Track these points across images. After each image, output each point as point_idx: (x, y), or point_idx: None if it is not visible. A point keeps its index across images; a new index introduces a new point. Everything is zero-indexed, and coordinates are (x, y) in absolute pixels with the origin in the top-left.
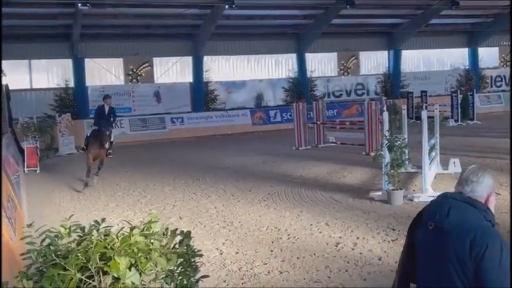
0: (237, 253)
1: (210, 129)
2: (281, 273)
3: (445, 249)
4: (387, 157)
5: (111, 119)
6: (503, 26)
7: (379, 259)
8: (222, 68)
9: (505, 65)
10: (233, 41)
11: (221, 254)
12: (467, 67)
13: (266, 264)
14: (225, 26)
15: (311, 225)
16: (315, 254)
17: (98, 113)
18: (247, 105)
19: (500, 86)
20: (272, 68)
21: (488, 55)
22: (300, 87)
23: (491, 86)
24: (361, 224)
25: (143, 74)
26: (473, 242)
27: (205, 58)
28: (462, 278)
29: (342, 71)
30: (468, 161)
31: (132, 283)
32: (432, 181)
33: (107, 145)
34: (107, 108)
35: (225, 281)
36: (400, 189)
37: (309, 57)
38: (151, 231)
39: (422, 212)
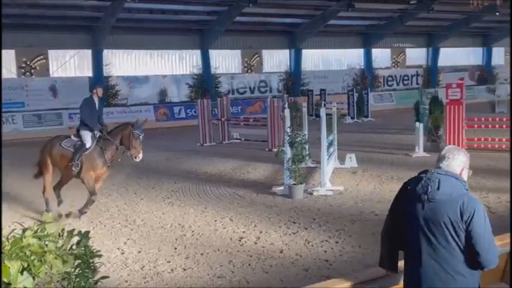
0: (139, 252)
1: (111, 125)
2: (185, 270)
3: (440, 216)
4: (289, 153)
5: (101, 115)
6: (395, 28)
7: (281, 252)
8: (123, 63)
9: (396, 66)
10: (135, 35)
11: (123, 253)
12: (362, 67)
13: (169, 262)
14: (127, 19)
15: (215, 221)
16: (218, 250)
17: (87, 108)
18: (150, 101)
19: (392, 85)
20: (176, 63)
21: (381, 56)
22: (204, 83)
23: (384, 85)
24: (263, 218)
25: (37, 67)
26: (463, 207)
27: (106, 52)
28: (455, 238)
29: (246, 69)
30: (363, 156)
31: (25, 287)
32: (330, 175)
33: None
34: (97, 102)
35: (126, 281)
36: (301, 183)
37: (213, 53)
38: (45, 233)
39: (408, 187)
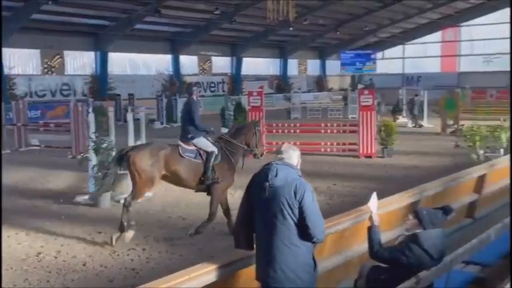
0: None
1: None
2: None
3: (278, 198)
4: (94, 160)
5: None
6: (201, 36)
7: (84, 264)
8: None
9: (203, 73)
10: None
11: None
12: (171, 73)
13: None
14: None
15: (8, 237)
16: (12, 268)
17: (198, 111)
18: None
19: (200, 91)
20: None
21: (189, 63)
22: None
23: None
24: (65, 230)
25: None
26: (296, 189)
27: None
28: (291, 215)
29: (46, 70)
30: None
31: None
32: None
33: None
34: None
35: None
36: (107, 191)
37: (7, 52)
38: None
39: (255, 177)
